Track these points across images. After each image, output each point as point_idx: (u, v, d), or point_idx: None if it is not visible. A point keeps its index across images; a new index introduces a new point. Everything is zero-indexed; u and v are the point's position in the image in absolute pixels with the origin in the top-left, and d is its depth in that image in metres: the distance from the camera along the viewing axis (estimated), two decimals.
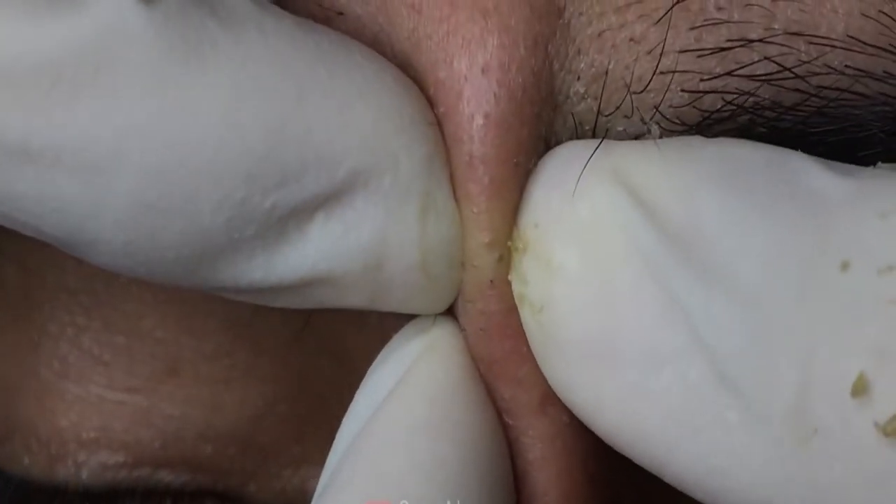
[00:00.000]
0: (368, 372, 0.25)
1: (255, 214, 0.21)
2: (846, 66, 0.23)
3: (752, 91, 0.23)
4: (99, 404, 0.28)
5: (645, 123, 0.23)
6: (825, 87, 0.23)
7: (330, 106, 0.22)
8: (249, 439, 0.28)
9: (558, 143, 0.24)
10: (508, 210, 0.23)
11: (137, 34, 0.20)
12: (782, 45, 0.23)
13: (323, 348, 0.28)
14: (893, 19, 0.22)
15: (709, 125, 0.23)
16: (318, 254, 0.22)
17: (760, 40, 0.23)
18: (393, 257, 0.23)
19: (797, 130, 0.23)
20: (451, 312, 0.25)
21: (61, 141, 0.20)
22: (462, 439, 0.23)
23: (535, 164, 0.23)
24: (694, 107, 0.23)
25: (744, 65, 0.23)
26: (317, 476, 0.28)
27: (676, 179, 0.22)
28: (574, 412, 0.23)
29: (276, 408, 0.28)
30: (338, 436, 0.24)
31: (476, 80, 0.23)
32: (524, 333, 0.24)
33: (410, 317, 0.25)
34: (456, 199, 0.23)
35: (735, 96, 0.23)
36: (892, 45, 0.22)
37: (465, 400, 0.24)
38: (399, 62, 0.24)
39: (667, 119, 0.23)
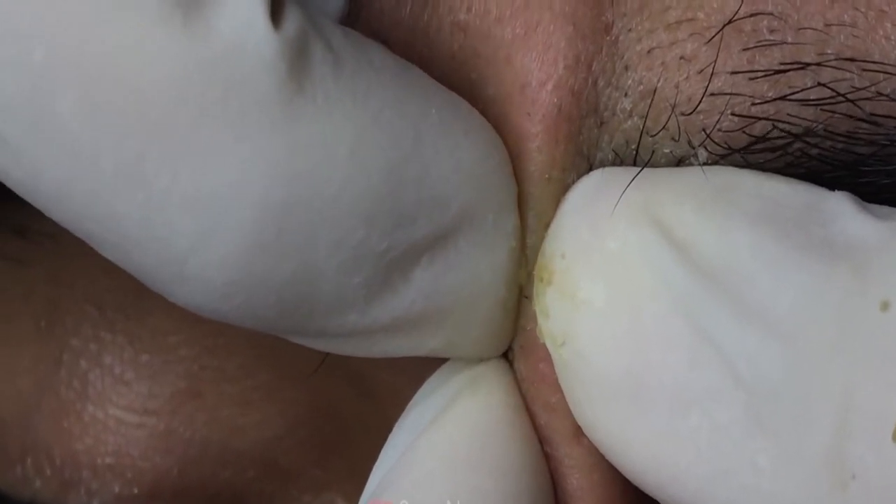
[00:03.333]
0: (408, 406, 0.24)
1: (368, 258, 0.21)
2: None
3: (805, 118, 0.23)
4: (117, 427, 0.27)
5: (693, 147, 0.23)
6: (878, 115, 0.23)
7: (443, 145, 0.21)
8: (269, 462, 0.28)
9: (603, 160, 0.24)
10: (541, 225, 0.23)
11: (268, 60, 0.19)
12: (836, 69, 0.23)
13: (352, 378, 0.28)
14: None
15: (758, 151, 0.23)
16: (416, 294, 0.22)
17: (814, 64, 0.23)
18: (485, 295, 0.23)
19: (849, 160, 0.23)
20: None
21: (179, 165, 0.19)
22: (504, 472, 0.23)
23: (574, 179, 0.23)
24: (744, 132, 0.23)
25: (797, 89, 0.23)
26: (336, 502, 0.28)
27: (711, 217, 0.22)
28: (600, 450, 0.23)
29: (297, 431, 0.28)
30: (375, 466, 0.24)
31: (515, 97, 0.23)
32: None
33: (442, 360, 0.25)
34: None
35: (786, 126, 0.23)
36: None
37: (508, 432, 0.23)
38: (442, 83, 0.23)
39: (714, 143, 0.23)
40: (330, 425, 0.28)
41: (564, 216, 0.23)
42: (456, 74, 0.24)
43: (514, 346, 0.24)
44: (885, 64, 0.23)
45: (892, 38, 0.23)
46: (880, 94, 0.23)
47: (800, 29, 0.23)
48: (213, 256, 0.19)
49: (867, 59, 0.23)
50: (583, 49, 0.23)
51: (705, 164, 0.23)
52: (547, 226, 0.23)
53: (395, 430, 0.24)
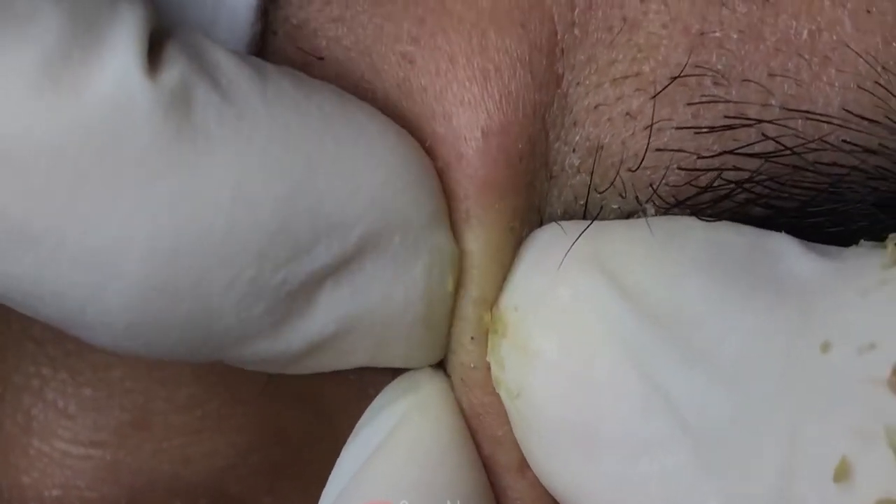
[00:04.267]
0: (356, 427, 0.24)
1: (264, 292, 0.21)
2: (843, 140, 0.22)
3: (749, 169, 0.22)
4: (62, 460, 0.27)
5: (640, 204, 0.23)
6: (822, 164, 0.22)
7: (339, 173, 0.21)
8: (220, 491, 0.27)
9: (552, 214, 0.24)
10: (500, 272, 0.23)
11: (144, 115, 0.19)
12: (779, 122, 0.23)
13: (298, 397, 0.27)
14: (888, 90, 0.22)
15: (705, 204, 0.23)
16: (326, 319, 0.22)
17: (758, 120, 0.23)
18: (399, 314, 0.23)
19: (795, 208, 0.23)
20: (441, 367, 0.25)
21: (63, 226, 0.19)
22: (450, 498, 0.23)
23: (528, 233, 0.24)
24: (691, 184, 0.23)
25: (742, 144, 0.23)
26: None
27: (659, 264, 0.22)
28: (554, 496, 0.23)
29: (248, 458, 0.27)
30: (325, 491, 0.24)
31: (475, 142, 0.23)
32: None
33: (391, 370, 0.25)
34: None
35: (732, 174, 0.22)
36: (887, 117, 0.22)
37: (455, 459, 0.23)
38: (384, 108, 0.23)
39: (661, 198, 0.23)
40: (280, 449, 0.27)
41: (518, 270, 0.23)
42: (399, 103, 0.23)
43: (455, 378, 0.24)
44: (828, 115, 0.22)
45: (836, 84, 0.23)
46: (824, 142, 0.23)
47: (744, 80, 0.23)
48: (108, 305, 0.20)
49: (811, 109, 0.22)
50: (538, 99, 0.23)
51: (653, 216, 0.23)
52: (505, 274, 0.23)
53: (343, 452, 0.24)
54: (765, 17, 0.23)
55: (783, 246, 0.22)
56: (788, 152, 0.22)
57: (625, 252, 0.22)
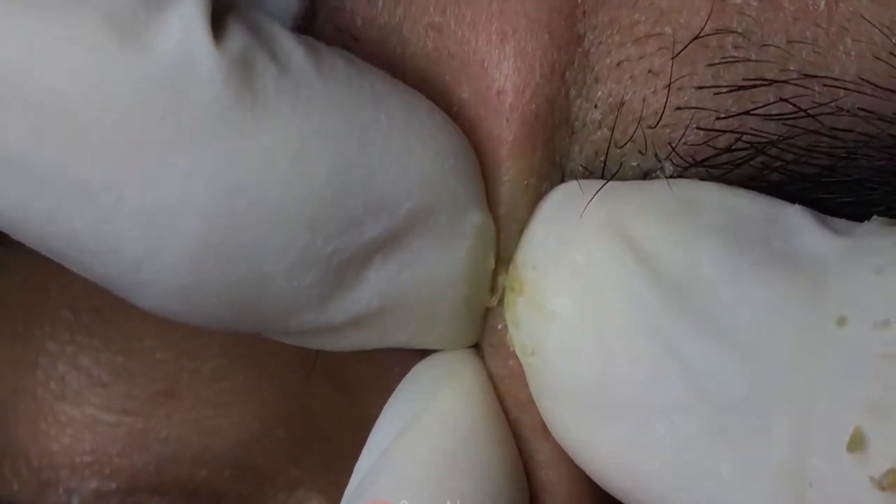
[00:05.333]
0: (391, 399, 0.25)
1: (315, 261, 0.21)
2: (858, 108, 0.23)
3: (767, 131, 0.23)
4: (94, 426, 0.27)
5: (659, 161, 0.23)
6: (838, 129, 0.23)
7: (391, 149, 0.22)
8: (246, 463, 0.28)
9: (573, 170, 0.24)
10: (516, 230, 0.24)
11: (206, 76, 0.20)
12: (797, 85, 0.23)
13: (323, 374, 0.28)
14: None
15: (722, 164, 0.23)
16: (372, 294, 0.22)
17: (776, 81, 0.23)
18: (442, 292, 0.23)
19: (809, 173, 0.23)
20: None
21: (123, 183, 0.20)
22: (483, 474, 0.23)
23: (548, 188, 0.24)
24: (708, 145, 0.23)
25: (760, 105, 0.23)
26: (313, 498, 0.28)
27: (675, 230, 0.22)
28: (572, 458, 0.23)
29: (273, 432, 0.28)
30: (357, 464, 0.24)
31: (492, 102, 0.23)
32: None
33: (419, 351, 0.25)
34: None
35: (750, 136, 0.23)
36: None
37: (487, 432, 0.24)
38: (415, 81, 0.24)
39: (680, 157, 0.23)
40: (306, 423, 0.28)
41: (535, 227, 0.24)
42: (429, 74, 0.24)
43: (484, 344, 0.25)
44: (844, 80, 0.23)
45: (852, 53, 0.23)
46: (840, 108, 0.23)
47: (763, 45, 0.23)
48: (163, 264, 0.20)
49: (828, 75, 0.23)
50: (557, 59, 0.23)
51: (671, 176, 0.23)
52: (522, 231, 0.24)
53: (375, 426, 0.25)
54: None
55: (798, 219, 0.22)
56: (805, 115, 0.23)
57: (640, 215, 0.22)
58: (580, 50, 0.24)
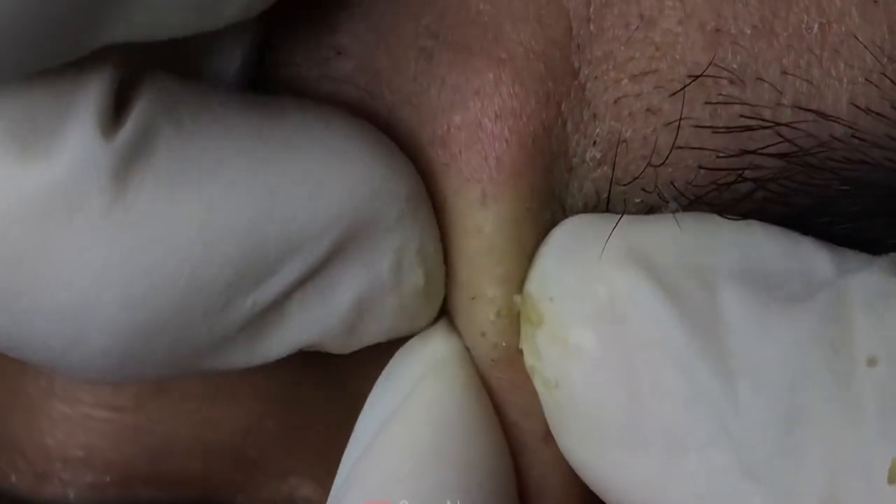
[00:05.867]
0: (376, 385, 0.25)
1: (237, 315, 0.22)
2: (851, 136, 0.23)
3: (766, 167, 0.23)
4: (85, 422, 0.28)
5: (664, 200, 0.23)
6: (834, 160, 0.23)
7: (302, 193, 0.22)
8: (238, 453, 0.28)
9: (573, 205, 0.24)
10: (521, 251, 0.24)
11: (101, 172, 0.20)
12: (792, 125, 0.23)
13: (312, 364, 0.28)
14: (893, 81, 0.22)
15: (727, 202, 0.23)
16: (298, 327, 0.23)
17: (771, 124, 0.23)
18: (371, 309, 0.23)
19: (812, 205, 0.23)
20: (453, 326, 0.25)
21: (35, 288, 0.20)
22: (468, 464, 0.23)
23: (549, 218, 0.24)
24: (712, 182, 0.23)
25: (760, 146, 0.23)
26: (305, 486, 0.29)
27: (695, 266, 0.22)
28: (592, 488, 0.23)
29: (264, 422, 0.28)
30: (345, 454, 0.25)
31: (489, 125, 0.23)
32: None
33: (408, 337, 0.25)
34: (464, 233, 0.24)
35: (750, 173, 0.23)
36: (893, 107, 0.23)
37: (471, 421, 0.24)
38: (401, 101, 0.24)
39: (684, 195, 0.23)
40: (296, 414, 0.28)
41: (548, 260, 0.24)
42: (417, 97, 0.24)
43: (479, 353, 0.25)
44: (837, 116, 0.23)
45: (845, 79, 0.23)
46: (833, 137, 0.23)
47: (758, 79, 0.23)
48: (88, 351, 0.21)
49: (821, 107, 0.23)
50: (553, 88, 0.23)
51: (675, 212, 0.23)
52: (526, 249, 0.24)
53: (361, 415, 0.25)
54: (777, 10, 0.23)
55: (815, 253, 0.22)
56: (801, 153, 0.23)
57: (661, 251, 0.22)
58: (576, 82, 0.23)
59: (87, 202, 0.20)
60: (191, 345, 0.22)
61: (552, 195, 0.24)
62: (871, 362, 0.21)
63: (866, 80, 0.22)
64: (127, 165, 0.20)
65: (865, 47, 0.22)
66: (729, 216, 0.23)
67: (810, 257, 0.22)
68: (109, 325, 0.21)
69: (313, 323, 0.23)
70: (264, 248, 0.21)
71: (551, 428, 0.24)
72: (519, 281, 0.24)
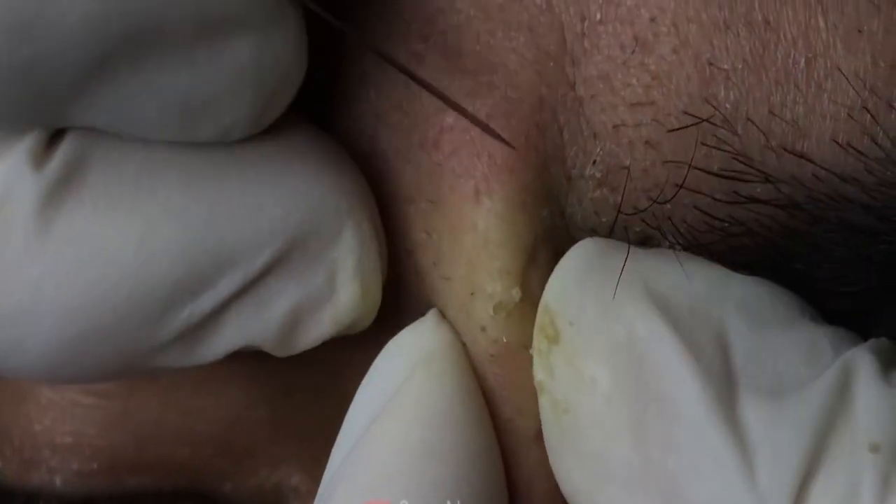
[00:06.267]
0: (363, 382, 0.25)
1: (173, 325, 0.22)
2: (832, 173, 0.23)
3: (758, 213, 0.23)
4: (72, 409, 0.27)
5: (664, 235, 0.24)
6: (816, 199, 0.23)
7: (240, 211, 0.22)
8: (226, 442, 0.28)
9: (573, 215, 0.24)
10: (518, 246, 0.24)
11: (31, 196, 0.21)
12: (777, 166, 0.23)
13: (302, 354, 0.28)
14: (874, 117, 0.23)
15: (717, 242, 0.24)
16: (234, 334, 0.23)
17: (767, 181, 0.23)
18: (306, 318, 0.24)
19: (807, 253, 0.23)
20: (443, 318, 0.25)
21: None
22: (459, 460, 0.23)
23: (547, 215, 0.24)
24: (705, 223, 0.23)
25: (749, 192, 0.23)
26: (294, 475, 0.28)
27: (708, 318, 0.23)
28: None
29: (254, 411, 0.28)
30: (335, 447, 0.25)
31: (481, 127, 0.23)
32: (532, 369, 0.24)
33: (396, 326, 0.25)
34: (460, 230, 0.24)
35: (742, 216, 0.23)
36: (874, 142, 0.23)
37: (462, 416, 0.24)
38: (386, 106, 0.24)
39: (681, 233, 0.24)
40: (286, 403, 0.28)
41: (569, 278, 0.24)
42: (408, 99, 0.24)
43: (477, 350, 0.25)
44: (822, 159, 0.23)
45: (828, 116, 0.23)
46: (816, 177, 0.23)
47: (748, 120, 0.23)
48: (28, 357, 0.22)
49: (806, 148, 0.23)
50: (546, 95, 0.24)
51: (673, 247, 0.24)
52: (524, 245, 0.24)
53: (351, 407, 0.25)
54: (766, 43, 0.23)
55: (820, 336, 0.23)
56: (787, 198, 0.23)
57: (676, 296, 0.23)
58: (572, 94, 0.24)
59: (21, 223, 0.21)
60: (126, 353, 0.22)
61: (549, 193, 0.24)
62: (875, 448, 0.21)
63: (848, 115, 0.23)
64: (58, 190, 0.21)
65: (848, 81, 0.22)
66: (739, 272, 0.24)
67: (815, 340, 0.23)
68: (46, 335, 0.22)
69: (249, 330, 0.23)
70: (202, 264, 0.22)
71: (548, 447, 0.24)
72: (516, 274, 0.24)
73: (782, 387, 0.22)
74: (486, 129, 0.23)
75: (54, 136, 0.22)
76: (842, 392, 0.22)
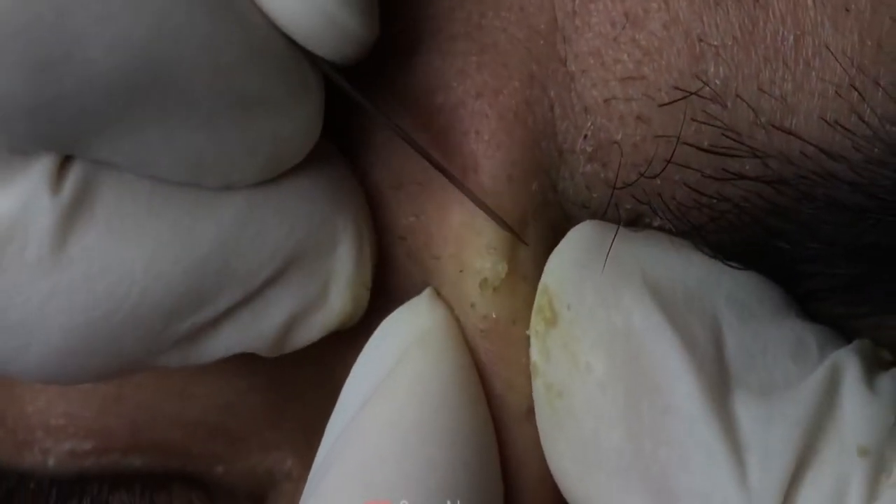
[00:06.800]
0: (357, 361, 0.25)
1: (173, 335, 0.23)
2: (820, 150, 0.23)
3: (746, 190, 0.23)
4: (67, 392, 0.28)
5: (654, 211, 0.24)
6: (804, 177, 0.23)
7: (246, 236, 0.23)
8: (219, 426, 0.28)
9: (565, 190, 0.25)
10: (504, 217, 0.24)
11: (51, 218, 0.22)
12: (765, 141, 0.23)
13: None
14: (861, 94, 0.23)
15: (706, 220, 0.24)
16: (230, 341, 0.24)
17: (755, 155, 0.23)
18: (299, 325, 0.24)
19: (794, 230, 0.24)
20: (439, 296, 0.25)
21: None
22: (453, 440, 0.24)
23: (537, 189, 0.24)
24: (694, 199, 0.24)
25: (738, 168, 0.24)
26: (287, 460, 0.29)
27: (703, 310, 0.23)
28: (567, 498, 0.24)
29: (248, 397, 0.28)
30: (327, 430, 0.25)
31: (470, 102, 0.24)
32: (526, 345, 0.24)
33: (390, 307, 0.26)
34: (447, 208, 0.24)
35: (729, 193, 0.23)
36: (862, 120, 0.23)
37: (457, 396, 0.24)
38: (388, 86, 0.25)
39: (670, 210, 0.24)
40: (280, 392, 0.28)
41: (568, 260, 0.24)
42: (405, 79, 0.24)
43: (475, 328, 0.25)
44: (810, 135, 0.23)
45: (816, 93, 0.23)
46: (804, 154, 0.23)
47: (737, 96, 0.23)
48: (28, 364, 0.23)
49: (795, 126, 0.23)
50: (536, 71, 0.24)
51: (659, 225, 0.24)
52: (512, 219, 0.24)
53: (345, 387, 0.25)
54: (755, 20, 0.23)
55: (806, 332, 0.23)
56: (775, 174, 0.23)
57: (672, 287, 0.23)
58: (563, 69, 0.24)
59: (37, 241, 0.22)
60: (125, 360, 0.23)
61: (538, 168, 0.24)
62: (863, 452, 0.22)
63: (836, 92, 0.23)
64: (74, 210, 0.22)
65: (836, 59, 0.23)
66: (730, 263, 0.24)
67: (806, 340, 0.23)
68: (50, 344, 0.22)
69: (245, 337, 0.24)
70: (206, 282, 0.23)
71: (540, 430, 0.24)
72: (504, 249, 0.24)
73: (772, 383, 0.22)
74: (487, 209, 0.24)
75: (68, 155, 0.22)
76: (829, 394, 0.22)
